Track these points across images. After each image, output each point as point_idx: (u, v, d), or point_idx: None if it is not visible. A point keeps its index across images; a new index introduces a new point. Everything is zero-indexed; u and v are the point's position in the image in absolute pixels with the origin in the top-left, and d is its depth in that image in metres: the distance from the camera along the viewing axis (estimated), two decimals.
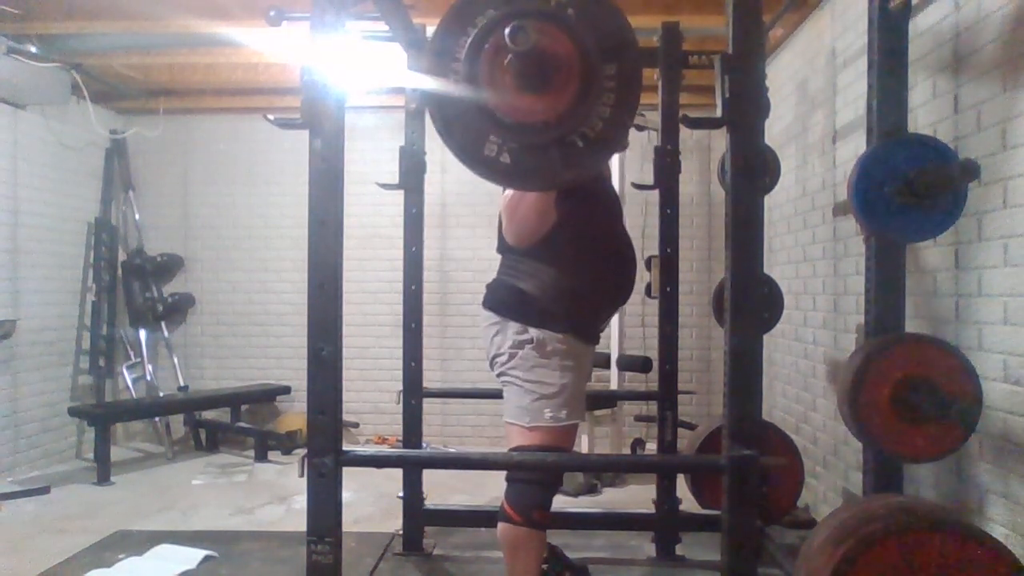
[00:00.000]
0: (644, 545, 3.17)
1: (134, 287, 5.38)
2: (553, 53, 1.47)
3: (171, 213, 5.54)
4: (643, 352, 4.81)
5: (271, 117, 1.66)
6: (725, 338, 1.66)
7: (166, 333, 5.44)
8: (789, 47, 4.11)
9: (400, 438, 3.27)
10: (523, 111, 1.51)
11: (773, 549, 2.97)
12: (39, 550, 3.17)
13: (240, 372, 5.49)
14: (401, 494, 3.10)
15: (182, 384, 5.39)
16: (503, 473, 2.13)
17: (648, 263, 3.14)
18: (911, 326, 2.44)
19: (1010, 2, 2.10)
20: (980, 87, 2.24)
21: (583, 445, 4.32)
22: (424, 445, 3.56)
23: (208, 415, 5.25)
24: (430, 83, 1.56)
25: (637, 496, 3.92)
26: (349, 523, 1.94)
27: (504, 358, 2.13)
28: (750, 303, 1.65)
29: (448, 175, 5.18)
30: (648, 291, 3.20)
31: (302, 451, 1.70)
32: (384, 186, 2.99)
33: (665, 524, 3.08)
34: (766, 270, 3.59)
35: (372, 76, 3.60)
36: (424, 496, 3.14)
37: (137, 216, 5.44)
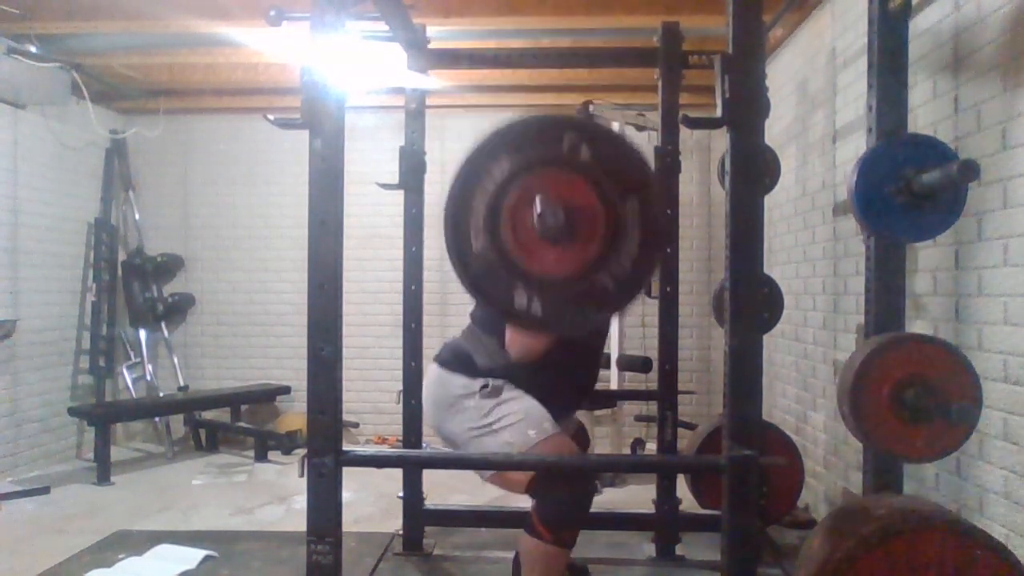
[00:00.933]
0: (644, 545, 3.17)
1: (134, 287, 5.38)
2: (577, 207, 1.46)
3: (171, 213, 5.54)
4: (643, 352, 4.80)
5: (271, 117, 1.67)
6: (725, 338, 1.66)
7: (166, 333, 5.44)
8: (789, 47, 4.11)
9: (400, 438, 3.27)
10: (550, 264, 1.50)
11: (773, 549, 2.97)
12: (39, 550, 3.17)
13: (240, 372, 5.49)
14: (401, 494, 3.11)
15: (182, 384, 5.39)
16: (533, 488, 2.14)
17: None
18: (911, 326, 2.44)
19: (1010, 2, 2.10)
20: (980, 87, 2.24)
21: None
22: (424, 445, 3.56)
23: (208, 415, 5.25)
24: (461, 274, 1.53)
25: (637, 496, 3.92)
26: (349, 523, 1.93)
27: (453, 411, 2.17)
28: (750, 303, 1.65)
29: (448, 175, 5.16)
30: (648, 291, 3.19)
31: (302, 451, 1.70)
32: (384, 186, 2.99)
33: (665, 524, 3.08)
34: (766, 270, 3.58)
35: (372, 76, 3.61)
36: (424, 496, 3.14)
37: (137, 216, 5.44)
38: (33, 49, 4.08)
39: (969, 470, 2.29)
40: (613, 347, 4.50)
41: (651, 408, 3.85)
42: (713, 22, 3.55)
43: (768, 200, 3.46)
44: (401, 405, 3.10)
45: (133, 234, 5.47)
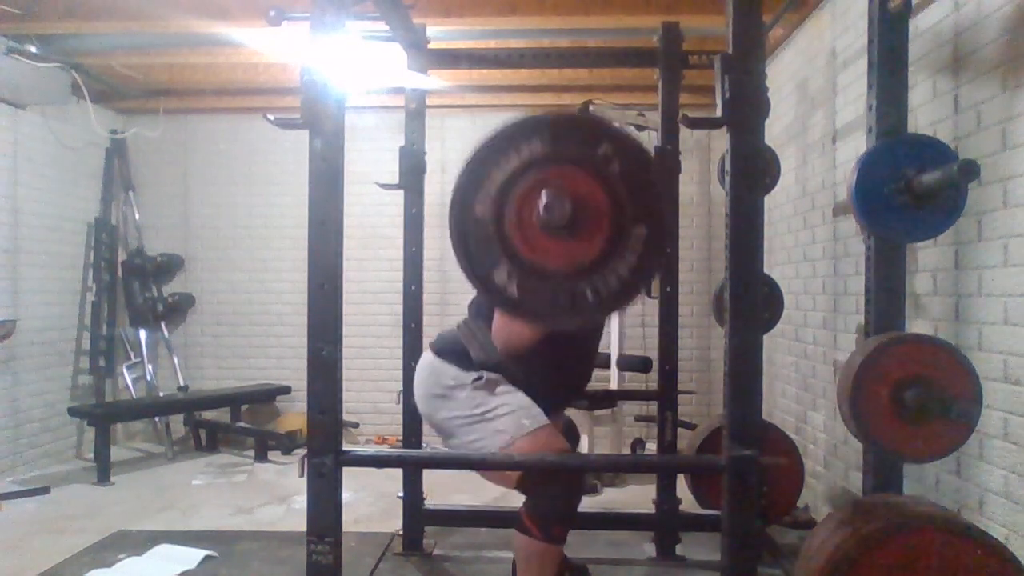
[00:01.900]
0: (644, 545, 3.17)
1: (134, 287, 5.38)
2: (586, 210, 1.47)
3: (171, 213, 5.54)
4: (643, 352, 4.80)
5: (271, 117, 1.66)
6: (725, 338, 1.66)
7: (166, 333, 5.44)
8: (789, 47, 4.11)
9: (400, 438, 3.27)
10: (541, 253, 1.50)
11: (773, 549, 2.97)
12: (39, 550, 3.17)
13: (240, 372, 5.49)
14: (401, 494, 3.11)
15: (182, 384, 5.39)
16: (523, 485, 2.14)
17: None
18: (911, 326, 2.44)
19: (1010, 2, 2.10)
20: (980, 87, 2.24)
21: (583, 445, 4.31)
22: (424, 445, 3.56)
23: (208, 415, 5.25)
24: (458, 242, 1.53)
25: (637, 496, 3.92)
26: (349, 523, 1.94)
27: (445, 400, 2.17)
28: (750, 303, 1.65)
29: (448, 175, 5.12)
30: (648, 291, 3.19)
31: (302, 451, 1.70)
32: (384, 186, 2.99)
33: (665, 524, 3.08)
34: (766, 270, 3.58)
35: (372, 76, 3.60)
36: (424, 496, 3.14)
37: (137, 216, 5.44)
38: (33, 49, 4.09)
39: (969, 470, 2.29)
40: (613, 347, 4.50)
41: (651, 408, 3.84)
42: (713, 22, 3.55)
43: (768, 200, 3.47)
44: (401, 405, 3.10)
45: (133, 234, 5.47)
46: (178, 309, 5.46)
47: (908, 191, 2.12)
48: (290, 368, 5.35)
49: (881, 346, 2.16)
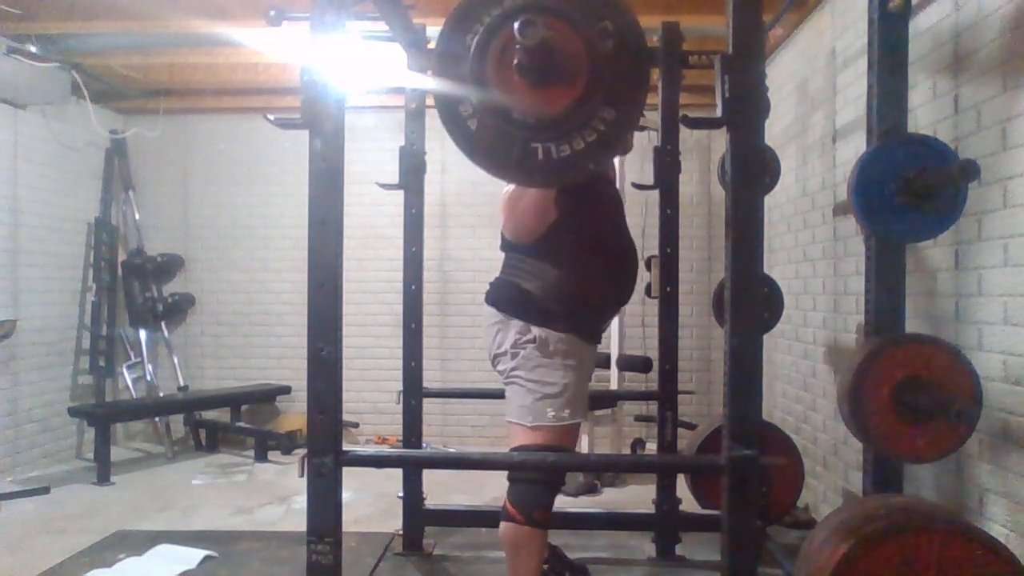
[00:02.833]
0: (644, 545, 3.17)
1: (134, 287, 5.38)
2: (560, 49, 1.47)
3: (171, 213, 5.54)
4: (643, 352, 4.81)
5: (271, 117, 1.66)
6: (725, 338, 1.66)
7: (166, 333, 5.44)
8: (789, 47, 4.11)
9: (400, 438, 3.27)
10: (523, 104, 1.51)
11: (773, 549, 2.97)
12: (39, 550, 3.17)
13: (240, 372, 5.49)
14: (401, 494, 3.10)
15: (182, 384, 5.39)
16: (503, 473, 2.14)
17: (648, 263, 3.14)
18: (911, 326, 2.44)
19: (1010, 2, 2.10)
20: (980, 87, 2.24)
21: (583, 445, 4.32)
22: (424, 445, 3.56)
23: (208, 415, 5.25)
24: (439, 91, 1.55)
25: (637, 496, 3.92)
26: (349, 523, 1.94)
27: (507, 357, 2.13)
28: (750, 303, 1.65)
29: (448, 175, 5.18)
30: (648, 291, 3.20)
31: (302, 451, 1.70)
32: (384, 186, 2.99)
33: (665, 524, 3.08)
34: (766, 270, 3.59)
35: (372, 76, 3.60)
36: (424, 496, 3.14)
37: (137, 216, 5.44)
38: (33, 49, 4.09)
39: (969, 470, 2.29)
40: (613, 347, 4.50)
41: (651, 408, 3.85)
42: (713, 22, 3.55)
43: (768, 200, 3.47)
44: (401, 405, 3.10)
45: (133, 234, 5.47)
46: (178, 309, 5.46)
47: (908, 191, 2.12)
48: (290, 368, 5.35)
49: (881, 346, 2.16)
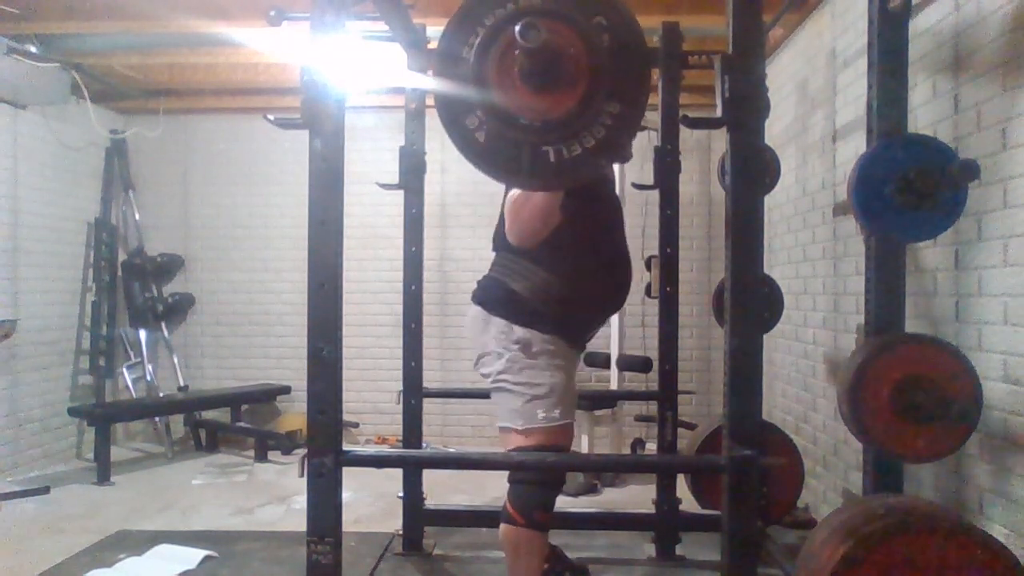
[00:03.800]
0: (644, 545, 3.17)
1: (134, 287, 5.38)
2: (562, 51, 1.47)
3: (171, 213, 5.54)
4: (643, 352, 4.81)
5: (271, 117, 1.66)
6: (725, 338, 1.66)
7: (166, 333, 5.44)
8: (789, 47, 4.11)
9: (400, 438, 3.27)
10: (528, 109, 1.50)
11: (773, 549, 2.97)
12: (39, 550, 3.17)
13: (240, 372, 5.49)
14: (401, 494, 3.10)
15: (182, 384, 5.39)
16: (503, 473, 2.13)
17: (648, 263, 3.14)
18: (911, 326, 2.44)
19: (1010, 2, 2.10)
20: (980, 87, 2.24)
21: (583, 445, 4.31)
22: (424, 445, 3.56)
23: (208, 415, 5.25)
24: (437, 81, 1.55)
25: (637, 496, 3.92)
26: (349, 523, 1.94)
27: (491, 358, 2.13)
28: (750, 303, 1.65)
29: (448, 175, 5.18)
30: (648, 291, 3.20)
31: (302, 451, 1.70)
32: (384, 186, 2.99)
33: (665, 524, 3.08)
34: (766, 270, 3.59)
35: (372, 76, 3.60)
36: (424, 496, 3.14)
37: (137, 216, 5.44)
38: (33, 49, 4.09)
39: (969, 470, 2.29)
40: (613, 347, 4.50)
41: (651, 408, 3.84)
42: (713, 22, 3.55)
43: (768, 200, 3.47)
44: (401, 405, 3.10)
45: (133, 234, 5.47)
46: (178, 309, 5.46)
47: (908, 191, 2.12)
48: (290, 368, 5.36)
49: (881, 346, 2.16)
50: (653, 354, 3.41)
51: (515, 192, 2.04)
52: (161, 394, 5.29)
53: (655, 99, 3.03)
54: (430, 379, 3.59)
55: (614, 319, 4.38)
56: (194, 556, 3.04)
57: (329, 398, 1.62)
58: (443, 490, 3.84)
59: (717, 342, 5.11)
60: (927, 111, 2.54)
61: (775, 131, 4.12)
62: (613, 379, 4.52)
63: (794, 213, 3.93)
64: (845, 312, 3.23)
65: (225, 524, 3.60)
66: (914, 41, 2.39)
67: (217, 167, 5.52)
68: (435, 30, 3.35)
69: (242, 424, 5.13)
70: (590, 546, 3.15)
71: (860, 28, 2.91)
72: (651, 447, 4.48)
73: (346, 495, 1.75)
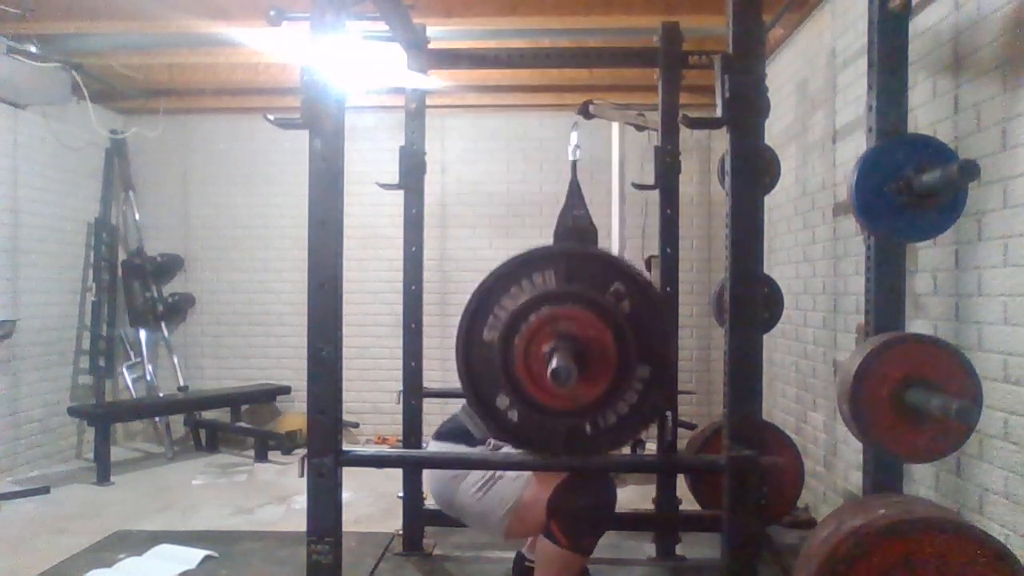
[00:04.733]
0: (644, 545, 3.17)
1: (134, 287, 5.38)
2: (594, 349, 1.48)
3: (171, 213, 5.54)
4: None
5: (271, 117, 1.66)
6: (725, 338, 1.66)
7: (166, 333, 5.44)
8: (789, 47, 4.11)
9: (400, 438, 3.27)
10: (546, 394, 1.51)
11: (773, 549, 2.97)
12: (39, 550, 3.17)
13: (240, 372, 5.49)
14: (401, 494, 3.10)
15: (182, 384, 5.39)
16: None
17: (648, 263, 3.14)
18: (911, 326, 2.44)
19: (1010, 2, 2.10)
20: (980, 87, 2.24)
21: None
22: (424, 445, 3.55)
23: (208, 415, 5.25)
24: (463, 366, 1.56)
25: (637, 496, 3.92)
26: (349, 523, 1.93)
27: (480, 481, 2.24)
28: (750, 303, 1.65)
29: (448, 175, 5.17)
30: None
31: (302, 451, 1.70)
32: (384, 186, 2.99)
33: (665, 524, 3.07)
34: (766, 270, 3.58)
35: (372, 76, 3.60)
36: (424, 496, 3.14)
37: (137, 216, 5.44)
38: (33, 49, 4.09)
39: (969, 470, 2.29)
40: None
41: None
42: (713, 22, 3.55)
43: (768, 200, 3.47)
44: (401, 405, 3.10)
45: (133, 234, 5.47)
46: (178, 309, 5.46)
47: (908, 191, 2.12)
48: (290, 368, 5.35)
49: (881, 346, 2.16)
50: None
51: (527, 496, 2.11)
52: (161, 394, 5.29)
53: (655, 99, 3.03)
54: (430, 379, 3.58)
55: None
56: (194, 556, 3.04)
57: (329, 398, 1.62)
58: None
59: (717, 342, 5.11)
60: (927, 111, 2.54)
61: (775, 131, 4.12)
62: None
63: (794, 213, 3.93)
64: (845, 312, 3.23)
65: (225, 524, 3.60)
66: (914, 41, 2.39)
67: (217, 167, 5.52)
68: (435, 30, 3.36)
69: (242, 424, 5.13)
70: None
71: (860, 28, 2.91)
72: (651, 447, 4.48)
73: (346, 495, 1.75)
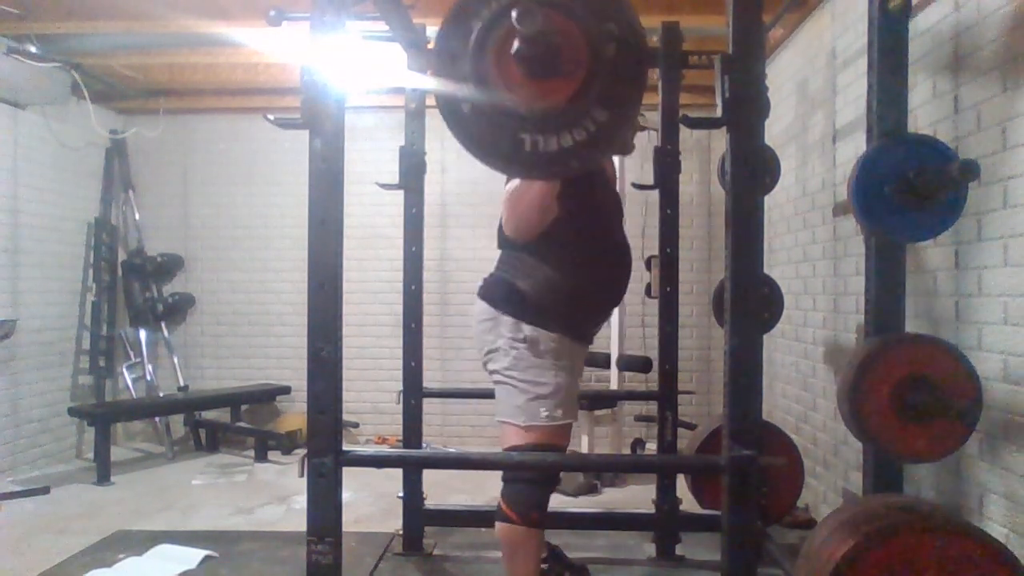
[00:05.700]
0: (644, 545, 3.17)
1: (134, 287, 5.38)
2: (559, 37, 1.45)
3: (171, 213, 5.54)
4: (643, 352, 4.81)
5: (271, 117, 1.66)
6: (725, 338, 1.66)
7: (166, 333, 5.44)
8: (789, 47, 4.11)
9: (400, 438, 3.27)
10: (530, 98, 1.49)
11: (773, 549, 2.97)
12: (39, 550, 3.17)
13: (240, 372, 5.49)
14: (401, 494, 3.10)
15: (182, 384, 5.39)
16: (502, 472, 2.14)
17: (648, 263, 3.14)
18: (911, 326, 2.44)
19: (1010, 2, 2.10)
20: (980, 87, 2.24)
21: (583, 445, 4.32)
22: (424, 445, 3.56)
23: (208, 415, 5.25)
24: (436, 80, 1.54)
25: (637, 496, 3.92)
26: (349, 523, 1.94)
27: (499, 355, 2.13)
28: (750, 303, 1.65)
29: (448, 175, 5.17)
30: (648, 291, 3.20)
31: (302, 451, 1.70)
32: (384, 186, 2.99)
33: (665, 524, 3.08)
34: (766, 270, 3.59)
35: (372, 76, 3.61)
36: (424, 496, 3.14)
37: (137, 216, 5.44)
38: (33, 49, 4.09)
39: (969, 470, 2.29)
40: (613, 347, 4.50)
41: (651, 408, 3.85)
42: (713, 22, 3.55)
43: (768, 200, 3.47)
44: (401, 405, 3.10)
45: (133, 234, 5.47)
46: (178, 309, 5.46)
47: (908, 191, 2.12)
48: (290, 368, 5.36)
49: (881, 346, 2.16)
50: (653, 354, 3.41)
51: (512, 185, 2.04)
52: (161, 394, 5.29)
53: (655, 99, 3.03)
54: (430, 379, 3.59)
55: (614, 319, 4.37)
56: (194, 556, 3.04)
57: (329, 398, 1.62)
58: (443, 490, 3.84)
59: (717, 342, 5.12)
60: (927, 111, 2.54)
61: (775, 131, 4.12)
62: (613, 379, 4.52)
63: (794, 213, 3.93)
64: (845, 312, 3.23)
65: (225, 524, 3.60)
66: (914, 41, 2.39)
67: (217, 167, 5.52)
68: (435, 30, 3.35)
69: (242, 424, 5.13)
70: (590, 546, 3.15)
71: (860, 28, 2.91)
72: (651, 447, 4.48)
73: (346, 495, 1.76)
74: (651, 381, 4.03)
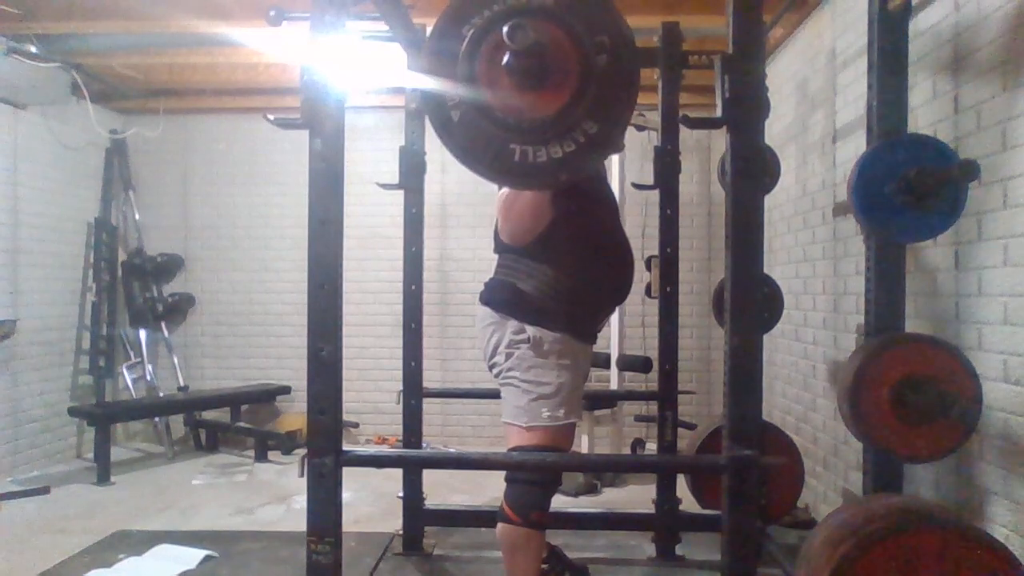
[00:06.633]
0: (644, 545, 3.17)
1: (134, 287, 5.38)
2: (551, 50, 1.46)
3: (171, 213, 5.54)
4: (643, 352, 4.81)
5: (271, 117, 1.66)
6: (725, 338, 1.66)
7: (166, 333, 5.44)
8: (789, 47, 4.11)
9: (400, 438, 3.27)
10: (520, 109, 1.49)
11: (773, 549, 2.97)
12: (39, 550, 3.17)
13: (240, 372, 5.49)
14: (401, 494, 3.11)
15: (182, 384, 5.39)
16: (503, 473, 2.14)
17: (648, 263, 3.14)
18: (911, 326, 2.44)
19: (1010, 2, 2.10)
20: (980, 87, 2.24)
21: (583, 445, 4.31)
22: (424, 445, 3.56)
23: (208, 415, 5.25)
24: (428, 84, 1.54)
25: (637, 496, 3.92)
26: (349, 523, 1.94)
27: (501, 358, 2.13)
28: (750, 303, 1.65)
29: (448, 175, 5.17)
30: (648, 291, 3.20)
31: (302, 451, 1.70)
32: (384, 186, 2.99)
33: (665, 524, 3.08)
34: (766, 270, 3.58)
35: (372, 76, 3.60)
36: (424, 496, 3.14)
37: (137, 216, 5.44)
38: (33, 49, 4.09)
39: (969, 470, 2.28)
40: (613, 347, 4.50)
41: (651, 408, 3.84)
42: (713, 22, 3.55)
43: (768, 200, 3.47)
44: (401, 405, 3.10)
45: (133, 234, 5.47)
46: (178, 309, 5.46)
47: (908, 191, 2.12)
48: (290, 368, 5.36)
49: (881, 346, 2.16)
50: (653, 354, 3.41)
51: (505, 191, 2.05)
52: (161, 394, 5.29)
53: (655, 99, 3.03)
54: (430, 379, 3.59)
55: (614, 319, 4.37)
56: (194, 556, 3.04)
57: (329, 398, 1.62)
58: (443, 490, 3.84)
59: (717, 342, 5.12)
60: (927, 111, 2.54)
61: (775, 131, 4.12)
62: (613, 379, 4.52)
63: (794, 213, 3.93)
64: (845, 312, 3.23)
65: (225, 524, 3.60)
66: (914, 41, 2.39)
67: (217, 167, 5.52)
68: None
69: (242, 424, 5.13)
70: (590, 546, 3.15)
71: (860, 28, 2.91)
72: (651, 447, 4.48)
73: (346, 495, 1.75)
74: (651, 381, 4.03)
